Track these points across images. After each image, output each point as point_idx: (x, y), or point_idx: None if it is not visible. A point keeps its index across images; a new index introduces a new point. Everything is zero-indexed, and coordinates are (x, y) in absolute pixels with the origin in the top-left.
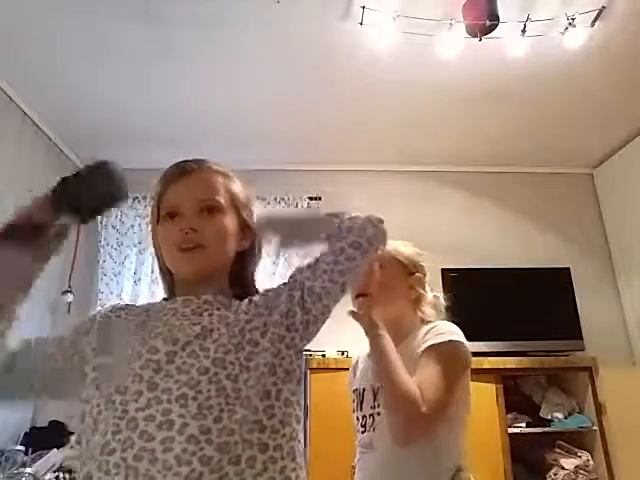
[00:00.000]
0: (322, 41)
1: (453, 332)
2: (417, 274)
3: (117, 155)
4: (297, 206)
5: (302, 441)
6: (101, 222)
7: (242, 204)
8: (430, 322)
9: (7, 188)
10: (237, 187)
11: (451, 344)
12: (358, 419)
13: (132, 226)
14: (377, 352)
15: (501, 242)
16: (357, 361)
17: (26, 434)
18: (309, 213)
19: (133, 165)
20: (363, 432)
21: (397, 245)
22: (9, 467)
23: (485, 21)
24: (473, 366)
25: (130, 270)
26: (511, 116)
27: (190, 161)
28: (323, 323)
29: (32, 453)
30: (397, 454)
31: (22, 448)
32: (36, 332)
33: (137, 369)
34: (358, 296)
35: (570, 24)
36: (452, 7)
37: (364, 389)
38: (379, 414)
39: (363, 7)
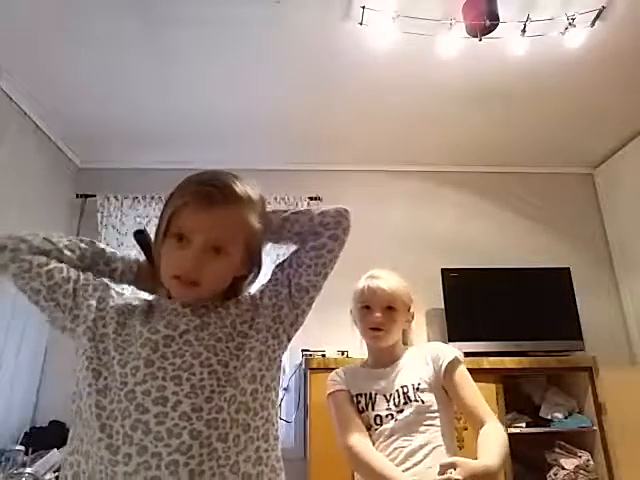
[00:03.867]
0: (322, 41)
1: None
2: (412, 310)
3: (117, 155)
4: (297, 206)
5: (277, 425)
6: (101, 222)
7: (256, 236)
8: (410, 345)
9: (7, 188)
10: (255, 216)
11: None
12: (370, 417)
13: (132, 226)
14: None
15: (501, 242)
16: (344, 372)
17: (26, 434)
18: (290, 210)
19: (133, 165)
20: (379, 425)
21: (399, 285)
22: (9, 467)
23: (485, 21)
24: (473, 366)
25: None
26: (511, 116)
27: (218, 187)
28: (308, 314)
29: (32, 453)
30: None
31: (22, 448)
32: (36, 332)
33: (137, 346)
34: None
35: (570, 24)
36: (452, 7)
37: (375, 393)
38: (399, 412)
39: (363, 7)
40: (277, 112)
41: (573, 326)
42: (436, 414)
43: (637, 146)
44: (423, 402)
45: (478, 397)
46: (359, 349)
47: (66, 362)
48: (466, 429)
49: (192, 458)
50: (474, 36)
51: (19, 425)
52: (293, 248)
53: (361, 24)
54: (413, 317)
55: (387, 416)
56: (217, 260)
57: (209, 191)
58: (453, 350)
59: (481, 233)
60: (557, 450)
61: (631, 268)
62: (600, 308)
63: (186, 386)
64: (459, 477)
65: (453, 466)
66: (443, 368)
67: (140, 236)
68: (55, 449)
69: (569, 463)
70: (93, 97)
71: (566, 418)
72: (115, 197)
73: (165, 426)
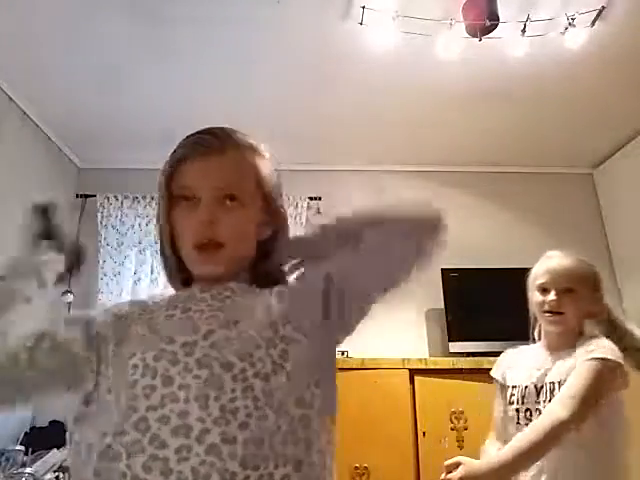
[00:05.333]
0: (322, 41)
1: (613, 351)
2: (600, 292)
3: (117, 155)
4: (297, 206)
5: (330, 455)
6: (101, 222)
7: (269, 186)
8: (594, 337)
9: (7, 188)
10: (265, 166)
11: (606, 362)
12: (518, 410)
13: (132, 226)
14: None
15: (501, 242)
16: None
17: (26, 434)
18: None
19: (133, 165)
20: (517, 423)
21: (580, 265)
22: (9, 467)
23: (485, 21)
24: (473, 366)
25: (130, 270)
26: (511, 116)
27: (211, 133)
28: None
29: (32, 453)
30: None
31: (22, 448)
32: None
33: (149, 359)
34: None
35: (570, 24)
36: (452, 7)
37: (526, 386)
38: (538, 410)
39: (363, 7)
40: (277, 112)
41: None
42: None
43: (637, 146)
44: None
45: (570, 387)
46: (359, 349)
47: None
48: (466, 429)
49: (224, 392)
50: (474, 36)
51: (19, 425)
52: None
53: (361, 24)
54: (602, 299)
55: (526, 411)
56: (234, 211)
57: (207, 138)
58: (604, 351)
59: (481, 233)
60: None
61: (631, 268)
62: None
63: (214, 409)
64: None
65: (458, 465)
66: (577, 365)
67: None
68: (55, 449)
69: None
70: (93, 97)
71: None
72: (115, 197)
73: (189, 464)
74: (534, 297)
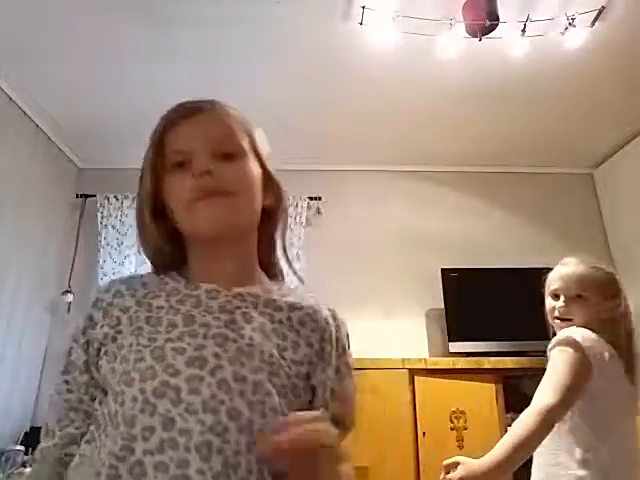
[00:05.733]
0: (322, 41)
1: (564, 340)
2: (616, 298)
3: (117, 155)
4: (297, 206)
5: None
6: (101, 222)
7: (264, 154)
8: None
9: (7, 188)
10: (259, 135)
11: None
12: None
13: (132, 226)
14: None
15: (501, 242)
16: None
17: (26, 434)
18: None
19: (133, 165)
20: None
21: (591, 272)
22: (9, 467)
23: (485, 21)
24: (473, 366)
25: (130, 270)
26: (511, 116)
27: (199, 100)
28: None
29: (32, 453)
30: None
31: (22, 448)
32: (36, 332)
33: (149, 393)
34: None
35: (570, 24)
36: (452, 7)
37: None
38: None
39: (363, 7)
40: (277, 112)
41: None
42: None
43: (637, 146)
44: None
45: (544, 381)
46: (358, 349)
47: None
48: (466, 429)
49: (227, 443)
50: (474, 36)
51: (19, 425)
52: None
53: (361, 24)
54: (618, 308)
55: None
56: (235, 162)
57: (192, 103)
58: (560, 336)
59: (481, 233)
60: None
61: (631, 268)
62: None
63: (216, 462)
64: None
65: (457, 465)
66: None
67: None
68: None
69: None
70: (93, 97)
71: None
72: (115, 197)
73: (200, 397)
74: (547, 303)
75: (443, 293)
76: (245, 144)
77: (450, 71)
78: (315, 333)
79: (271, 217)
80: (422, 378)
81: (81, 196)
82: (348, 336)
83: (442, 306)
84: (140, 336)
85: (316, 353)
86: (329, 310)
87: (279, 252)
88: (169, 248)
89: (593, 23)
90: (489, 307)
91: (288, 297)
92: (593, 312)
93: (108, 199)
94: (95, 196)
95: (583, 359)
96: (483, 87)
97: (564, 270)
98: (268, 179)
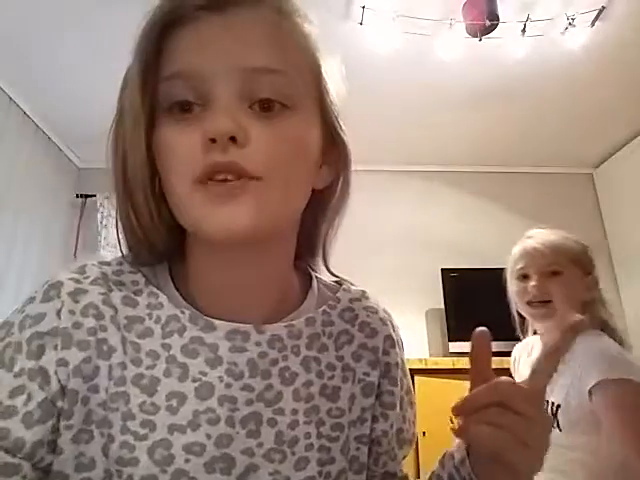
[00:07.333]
0: (322, 41)
1: (628, 363)
2: (592, 275)
3: None
4: None
5: None
6: (101, 222)
7: (332, 98)
8: (599, 333)
9: (6, 188)
10: (329, 66)
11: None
12: None
13: None
14: None
15: (501, 242)
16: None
17: None
18: None
19: None
20: None
21: (565, 242)
22: None
23: (485, 21)
24: None
25: None
26: (511, 116)
27: None
28: None
29: None
30: None
31: None
32: None
33: None
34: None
35: (570, 24)
36: (452, 7)
37: None
38: None
39: (363, 7)
40: None
41: None
42: (575, 453)
43: (637, 146)
44: (560, 430)
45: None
46: None
47: None
48: None
49: None
50: (474, 36)
51: None
52: None
53: (361, 24)
54: (595, 286)
55: None
56: (279, 122)
57: None
58: (604, 368)
59: (481, 233)
60: None
61: (631, 268)
62: None
63: None
64: None
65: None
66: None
67: None
68: None
69: None
70: (93, 97)
71: None
72: None
73: None
74: (513, 288)
75: (443, 293)
76: (303, 86)
77: (450, 71)
78: (375, 370)
79: (323, 196)
80: (422, 378)
81: (81, 196)
82: (402, 345)
83: (442, 306)
84: (128, 415)
85: (377, 396)
86: (386, 316)
87: (322, 245)
88: (163, 230)
89: (593, 23)
90: (489, 307)
91: (333, 316)
92: (573, 292)
93: (108, 199)
94: (95, 196)
95: None
96: (483, 87)
97: (531, 243)
98: (330, 141)
